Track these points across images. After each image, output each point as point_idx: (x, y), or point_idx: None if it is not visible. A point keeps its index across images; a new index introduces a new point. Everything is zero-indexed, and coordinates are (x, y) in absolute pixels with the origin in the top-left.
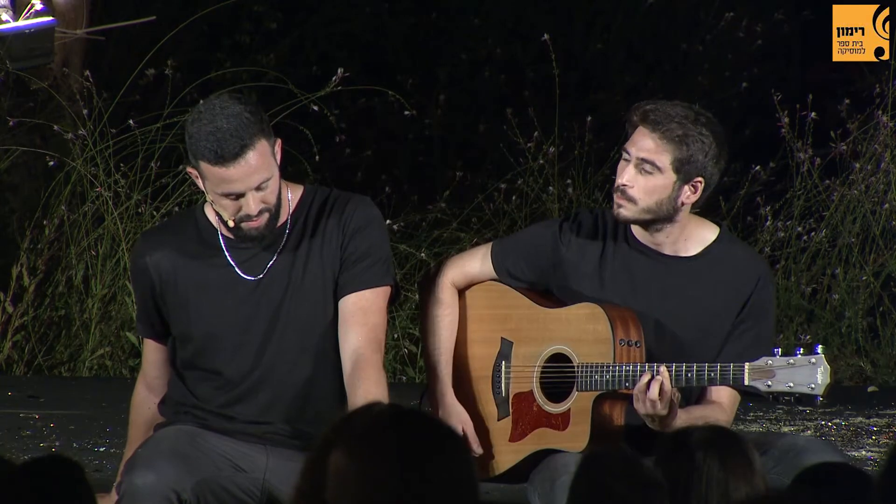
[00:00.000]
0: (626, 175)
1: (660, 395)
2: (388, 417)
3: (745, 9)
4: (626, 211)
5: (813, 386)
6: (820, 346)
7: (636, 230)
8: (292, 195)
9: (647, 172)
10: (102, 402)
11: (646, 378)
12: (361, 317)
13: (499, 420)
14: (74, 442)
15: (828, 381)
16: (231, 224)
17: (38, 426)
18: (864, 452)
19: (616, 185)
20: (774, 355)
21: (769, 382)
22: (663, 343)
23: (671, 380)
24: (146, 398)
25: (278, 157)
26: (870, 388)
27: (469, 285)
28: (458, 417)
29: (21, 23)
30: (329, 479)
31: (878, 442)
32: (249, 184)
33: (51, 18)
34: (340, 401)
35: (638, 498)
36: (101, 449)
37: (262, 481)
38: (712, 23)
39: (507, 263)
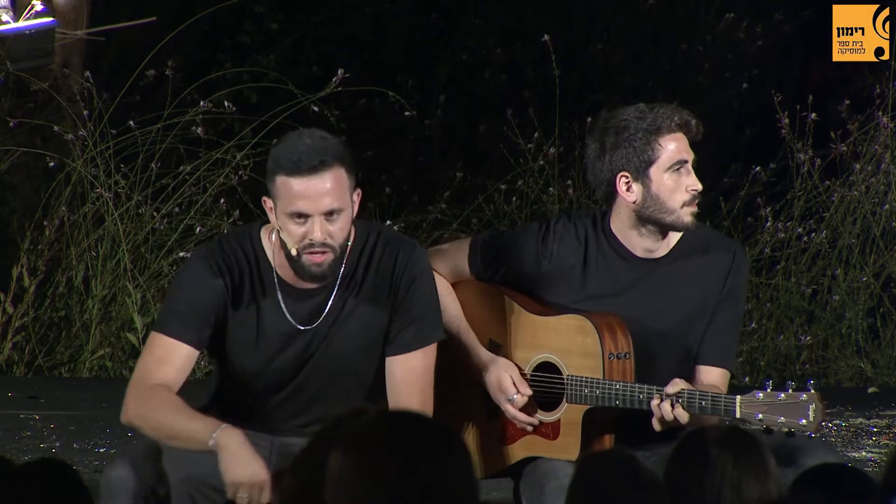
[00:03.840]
0: (695, 180)
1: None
2: (386, 419)
3: (746, 9)
4: (696, 215)
5: (804, 422)
6: (811, 381)
7: (625, 237)
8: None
9: (694, 171)
10: (103, 403)
11: (656, 402)
12: (411, 378)
13: (489, 421)
14: (75, 443)
15: (820, 418)
16: (294, 252)
17: (38, 427)
18: (864, 453)
19: (694, 194)
20: (765, 388)
21: (759, 415)
22: (652, 342)
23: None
24: (175, 395)
25: (356, 204)
26: (870, 390)
27: (451, 280)
28: (505, 367)
29: (21, 23)
30: (328, 481)
31: (879, 443)
32: (319, 205)
33: (51, 19)
34: None
35: (636, 500)
36: (102, 450)
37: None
38: (712, 23)
39: (485, 265)
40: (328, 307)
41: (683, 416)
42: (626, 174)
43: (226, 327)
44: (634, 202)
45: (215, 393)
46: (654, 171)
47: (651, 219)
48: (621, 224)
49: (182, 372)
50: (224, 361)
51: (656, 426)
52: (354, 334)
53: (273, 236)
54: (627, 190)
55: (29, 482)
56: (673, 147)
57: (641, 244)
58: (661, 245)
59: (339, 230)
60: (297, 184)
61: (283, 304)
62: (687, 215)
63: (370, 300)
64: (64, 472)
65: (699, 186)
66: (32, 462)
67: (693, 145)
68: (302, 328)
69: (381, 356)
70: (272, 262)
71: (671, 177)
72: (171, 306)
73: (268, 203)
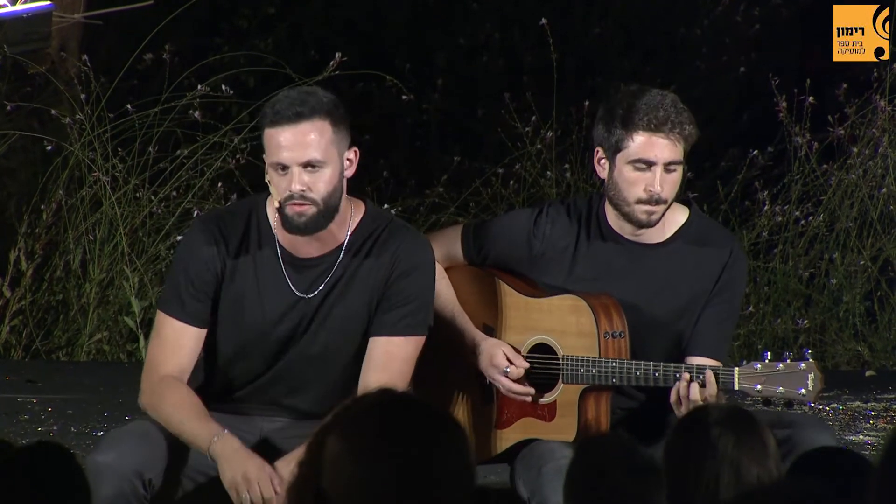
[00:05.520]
0: (658, 183)
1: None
2: (382, 402)
3: None
4: (656, 215)
5: (804, 392)
6: (809, 351)
7: (614, 222)
8: (354, 213)
9: (671, 171)
10: (100, 387)
11: (685, 381)
12: (386, 361)
13: (484, 405)
14: (72, 426)
15: (819, 387)
16: (277, 204)
17: (35, 411)
18: (861, 437)
19: (651, 196)
20: (763, 359)
21: (758, 386)
22: (641, 328)
23: (660, 379)
24: (185, 387)
25: (352, 164)
26: (867, 373)
27: (445, 265)
28: (497, 344)
29: (19, 7)
30: (325, 466)
31: (876, 426)
32: (297, 156)
33: (48, 3)
34: None
35: (635, 483)
36: (99, 433)
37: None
38: (710, 7)
39: (477, 250)
40: (328, 277)
41: (712, 396)
42: (601, 149)
43: (220, 297)
44: (604, 180)
45: (201, 378)
46: (619, 159)
47: (613, 202)
48: (608, 206)
49: (191, 355)
50: (214, 337)
51: (680, 413)
52: (349, 309)
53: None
54: (599, 164)
55: (26, 466)
56: (641, 145)
57: (625, 227)
58: (645, 230)
59: (323, 183)
60: (277, 134)
61: (284, 272)
62: (641, 213)
63: (367, 278)
64: (61, 456)
65: (657, 189)
66: (29, 445)
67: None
68: (300, 296)
69: (365, 342)
70: (275, 231)
71: (632, 171)
72: (172, 282)
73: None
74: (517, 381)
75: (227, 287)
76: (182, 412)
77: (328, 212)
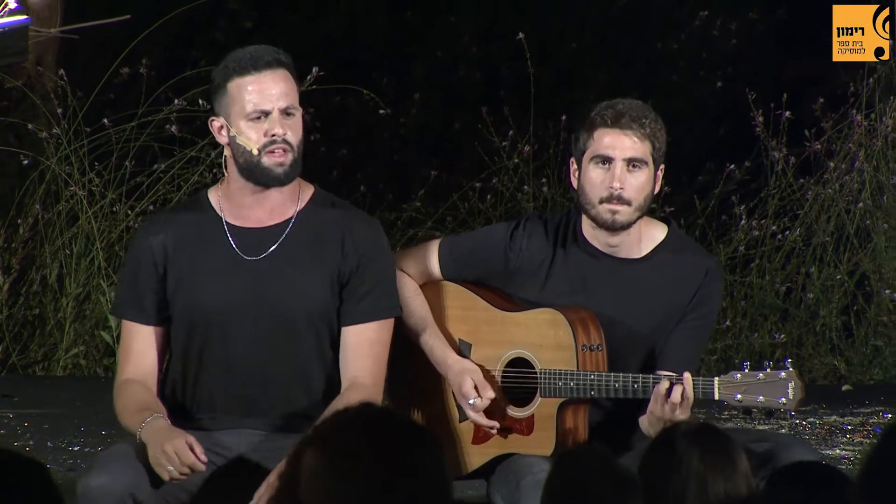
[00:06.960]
0: (618, 179)
1: (681, 401)
2: (359, 416)
3: (720, 7)
4: (622, 216)
5: (784, 401)
6: (790, 360)
7: (590, 234)
8: (303, 192)
9: (635, 169)
10: (77, 402)
11: (665, 385)
12: (366, 348)
13: (460, 421)
14: (49, 441)
15: (799, 396)
16: (256, 153)
17: (12, 425)
18: (838, 451)
19: (611, 193)
20: (743, 369)
21: (738, 396)
22: (618, 342)
23: (639, 391)
24: (138, 385)
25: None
26: (844, 387)
27: (420, 282)
28: (466, 371)
29: None
30: (302, 479)
31: (853, 441)
32: (279, 101)
33: (25, 17)
34: (324, 400)
35: (612, 494)
36: (76, 448)
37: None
38: (687, 21)
39: (454, 265)
40: (277, 243)
41: (689, 398)
42: (573, 159)
43: (167, 279)
44: (576, 189)
45: (178, 393)
46: (584, 161)
47: (582, 208)
48: (584, 219)
49: (147, 355)
50: (184, 310)
51: (657, 413)
52: (303, 274)
53: (220, 192)
54: (573, 175)
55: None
56: (601, 140)
57: (599, 238)
58: (620, 242)
59: (296, 130)
60: (254, 81)
61: (231, 242)
62: (605, 212)
63: (321, 248)
64: (35, 471)
65: (616, 185)
66: (2, 460)
67: (668, 145)
68: (248, 258)
69: (326, 324)
70: (220, 212)
71: (595, 169)
72: (121, 283)
73: (216, 123)
74: (492, 394)
75: (171, 268)
76: (126, 408)
77: (299, 164)
